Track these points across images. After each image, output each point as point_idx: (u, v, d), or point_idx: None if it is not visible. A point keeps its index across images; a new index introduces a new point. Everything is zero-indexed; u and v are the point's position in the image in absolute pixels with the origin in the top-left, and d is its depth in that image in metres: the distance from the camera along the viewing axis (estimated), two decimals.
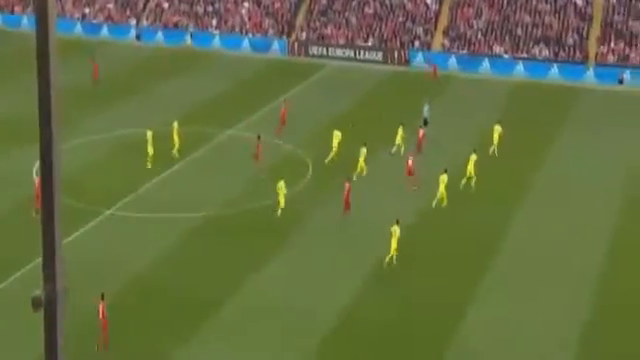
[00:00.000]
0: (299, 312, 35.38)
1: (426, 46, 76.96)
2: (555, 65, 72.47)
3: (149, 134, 50.49)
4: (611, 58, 72.79)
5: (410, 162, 48.21)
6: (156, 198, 46.85)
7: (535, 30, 75.49)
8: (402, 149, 51.81)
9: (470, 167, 47.34)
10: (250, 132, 57.09)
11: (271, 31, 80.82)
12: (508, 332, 34.35)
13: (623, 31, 74.05)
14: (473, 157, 48.00)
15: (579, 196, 48.22)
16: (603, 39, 73.89)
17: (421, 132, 53.48)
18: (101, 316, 32.50)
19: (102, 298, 33.07)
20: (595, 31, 74.69)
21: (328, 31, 79.26)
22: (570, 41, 74.24)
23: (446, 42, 76.56)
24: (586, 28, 74.74)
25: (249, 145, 53.68)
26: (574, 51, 73.74)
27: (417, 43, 77.10)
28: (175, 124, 52.84)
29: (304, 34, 79.78)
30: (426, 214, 45.27)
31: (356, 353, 33.05)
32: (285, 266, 39.75)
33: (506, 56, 74.21)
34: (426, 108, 57.98)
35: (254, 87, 68.42)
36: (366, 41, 77.86)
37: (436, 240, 41.97)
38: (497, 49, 75.13)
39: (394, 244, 38.18)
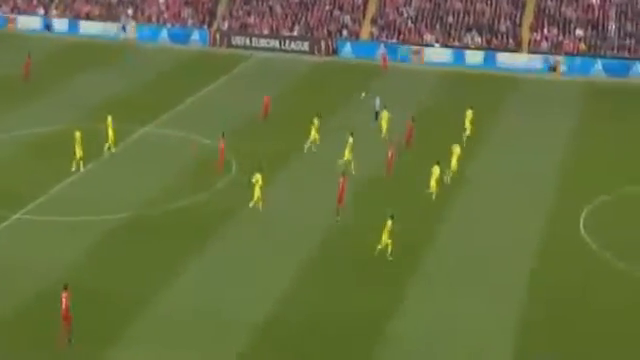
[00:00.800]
0: (223, 313, 35.04)
1: (354, 35, 76.41)
2: (488, 53, 72.35)
3: (77, 135, 47.95)
4: (545, 45, 72.68)
5: (390, 154, 48.44)
6: (71, 199, 45.44)
7: (467, 17, 75.36)
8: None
9: (454, 161, 47.50)
10: (170, 129, 55.95)
11: (191, 21, 79.43)
12: (441, 329, 34.17)
13: (556, 17, 74.06)
14: (456, 149, 48.03)
15: (511, 188, 47.91)
16: (536, 26, 73.73)
17: (409, 125, 53.02)
18: (64, 307, 32.46)
19: (65, 288, 32.77)
20: (528, 18, 74.87)
21: (251, 20, 78.22)
22: (503, 28, 74.00)
23: (375, 31, 75.92)
24: (519, 15, 74.53)
25: (171, 142, 52.83)
26: (507, 38, 73.48)
27: (345, 32, 76.44)
28: (109, 118, 51.49)
29: (226, 24, 78.58)
30: (349, 211, 44.66)
31: (283, 354, 32.77)
32: (207, 267, 39.00)
33: (437, 45, 73.71)
34: (377, 102, 57.57)
35: (173, 81, 67.21)
36: (292, 31, 76.98)
37: (364, 235, 41.00)
38: (428, 37, 74.74)
39: (385, 237, 38.38)
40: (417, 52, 73.29)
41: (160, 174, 48.89)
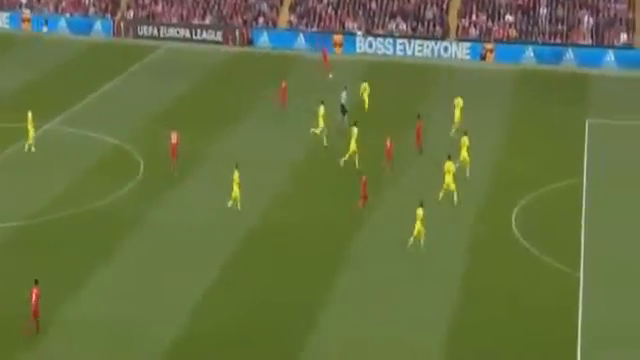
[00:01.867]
0: (135, 324, 34.15)
1: (271, 23, 74.91)
2: (413, 41, 71.39)
3: None
4: (473, 32, 72.11)
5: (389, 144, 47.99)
6: None
7: (391, 4, 74.31)
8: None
9: (464, 152, 46.99)
10: (71, 127, 54.06)
11: (92, 10, 76.74)
12: (363, 334, 33.73)
13: (485, 3, 73.58)
14: (465, 141, 47.38)
15: (440, 183, 46.03)
16: (464, 12, 73.19)
17: (418, 124, 51.54)
18: (34, 301, 32.57)
19: (36, 283, 32.98)
20: (455, 4, 74.18)
21: (159, 8, 75.85)
22: (429, 15, 73.35)
23: (293, 19, 74.32)
24: (446, 1, 74.08)
25: (72, 142, 51.44)
26: (434, 26, 72.81)
27: (261, 20, 74.71)
28: (29, 114, 49.74)
29: (131, 12, 76.11)
30: (269, 212, 43.85)
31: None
32: (114, 275, 37.80)
33: (360, 33, 72.64)
34: (344, 94, 56.17)
35: (74, 75, 64.95)
36: (203, 19, 74.93)
37: (282, 240, 40.90)
38: (350, 25, 73.42)
39: (418, 225, 39.21)
40: (339, 42, 71.97)
41: (60, 177, 47.02)
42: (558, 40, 70.10)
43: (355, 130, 48.34)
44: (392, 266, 38.54)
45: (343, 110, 54.84)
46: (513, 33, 70.67)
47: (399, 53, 70.66)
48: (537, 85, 64.14)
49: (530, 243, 40.60)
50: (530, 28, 70.84)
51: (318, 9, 73.84)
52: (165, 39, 73.06)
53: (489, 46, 69.86)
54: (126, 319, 34.17)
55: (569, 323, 34.41)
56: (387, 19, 72.65)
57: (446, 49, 70.36)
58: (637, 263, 38.95)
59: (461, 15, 72.33)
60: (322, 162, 49.23)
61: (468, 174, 46.80)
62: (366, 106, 56.30)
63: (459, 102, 53.82)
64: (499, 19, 71.80)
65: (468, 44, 70.40)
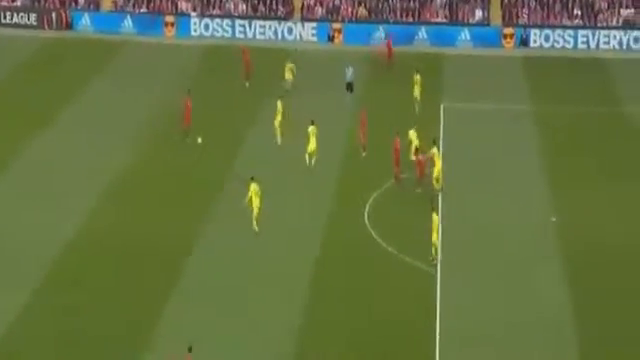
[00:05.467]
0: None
1: (93, 5, 72.81)
2: (254, 21, 70.30)
3: None
4: (319, 11, 71.30)
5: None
6: None
7: None
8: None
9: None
10: None
11: None
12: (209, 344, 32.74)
13: None
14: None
15: (289, 178, 45.93)
16: None
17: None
18: None
19: None
20: None
21: None
22: None
23: (118, 0, 72.64)
24: None
25: None
26: (276, 5, 71.72)
27: (81, 1, 72.67)
28: None
29: None
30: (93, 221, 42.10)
31: None
32: None
33: (194, 14, 71.15)
34: (350, 72, 56.67)
35: None
36: (13, 1, 72.46)
37: (114, 248, 39.58)
38: (183, 6, 71.89)
39: (435, 236, 38.17)
40: (171, 23, 70.51)
41: None
42: (410, 19, 69.98)
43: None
44: (235, 269, 37.82)
45: (350, 88, 55.71)
46: (363, 12, 70.22)
47: (239, 35, 69.59)
48: (389, 66, 63.18)
49: (383, 239, 40.11)
50: (380, 6, 70.52)
51: None
52: None
53: (337, 26, 69.52)
54: None
55: (427, 324, 34.14)
56: None
57: (290, 30, 69.77)
58: (493, 257, 38.93)
59: None
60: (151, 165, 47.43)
61: (311, 163, 46.01)
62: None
63: (417, 79, 53.39)
64: None
65: (314, 24, 69.87)
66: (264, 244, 39.70)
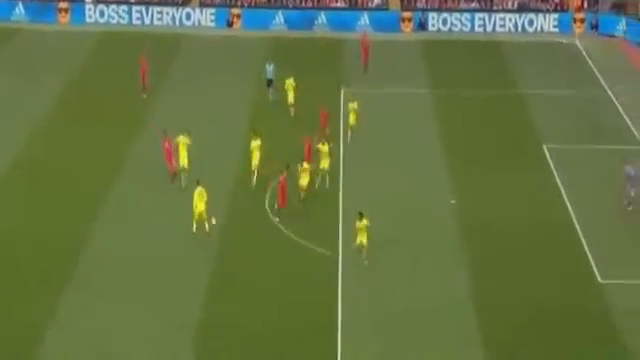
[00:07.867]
0: None
1: None
2: (150, 7, 69.26)
3: None
4: None
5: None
6: None
7: None
8: None
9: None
10: None
11: None
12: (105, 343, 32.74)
13: None
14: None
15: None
16: None
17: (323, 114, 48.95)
18: None
19: None
20: None
21: None
22: None
23: None
24: None
25: None
26: None
27: None
28: None
29: None
30: None
31: None
32: None
33: (88, 0, 69.99)
34: (271, 68, 54.90)
35: None
36: None
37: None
38: None
39: (363, 238, 37.50)
40: (65, 10, 69.06)
41: None
42: (310, 4, 69.76)
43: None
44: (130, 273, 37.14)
45: (269, 83, 54.16)
46: None
47: (136, 22, 68.64)
48: (289, 53, 62.79)
49: (286, 226, 40.05)
50: None
51: None
52: None
53: (236, 11, 69.00)
54: None
55: (329, 310, 34.34)
56: None
57: (189, 16, 68.96)
58: (395, 241, 38.97)
59: None
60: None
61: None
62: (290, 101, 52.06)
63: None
64: None
65: (212, 10, 69.17)
66: (162, 238, 39.27)
